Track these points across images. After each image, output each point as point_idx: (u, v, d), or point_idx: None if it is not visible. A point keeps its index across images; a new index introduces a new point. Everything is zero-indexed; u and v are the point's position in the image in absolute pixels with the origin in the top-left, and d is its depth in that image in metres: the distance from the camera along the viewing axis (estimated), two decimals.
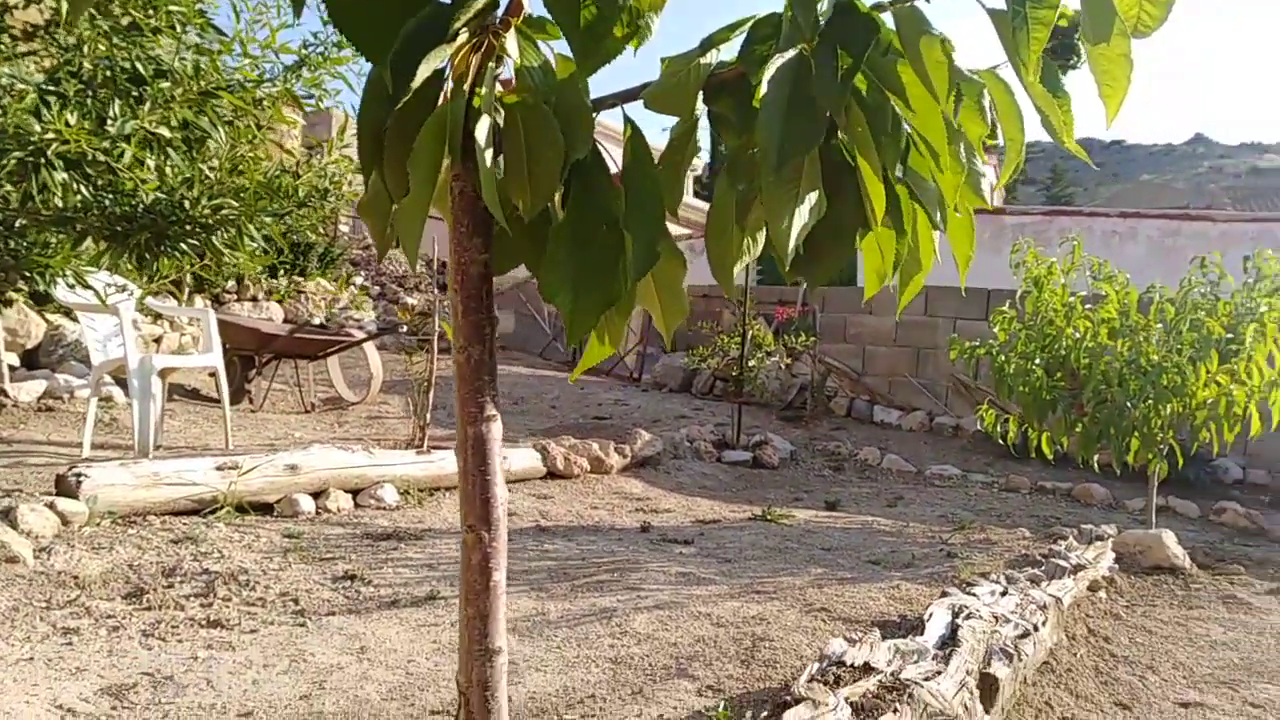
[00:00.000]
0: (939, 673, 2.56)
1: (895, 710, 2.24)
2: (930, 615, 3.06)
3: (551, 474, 6.35)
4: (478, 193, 1.15)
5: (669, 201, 1.34)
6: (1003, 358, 5.75)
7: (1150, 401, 5.18)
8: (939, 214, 1.39)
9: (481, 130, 1.08)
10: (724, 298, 11.21)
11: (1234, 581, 5.08)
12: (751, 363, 8.84)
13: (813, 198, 1.25)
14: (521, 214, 1.12)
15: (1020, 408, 5.84)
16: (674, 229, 12.65)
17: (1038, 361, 5.67)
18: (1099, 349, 5.46)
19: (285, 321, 10.52)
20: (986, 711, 2.69)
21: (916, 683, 2.42)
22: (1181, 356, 5.08)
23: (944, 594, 3.43)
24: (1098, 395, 5.43)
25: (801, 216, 1.24)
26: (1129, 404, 5.28)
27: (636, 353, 12.05)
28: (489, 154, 1.10)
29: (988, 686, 2.73)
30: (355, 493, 5.08)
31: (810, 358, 10.28)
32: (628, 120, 1.21)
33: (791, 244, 1.22)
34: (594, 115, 1.16)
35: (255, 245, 4.52)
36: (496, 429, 1.20)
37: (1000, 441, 6.27)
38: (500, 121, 1.12)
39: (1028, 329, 5.81)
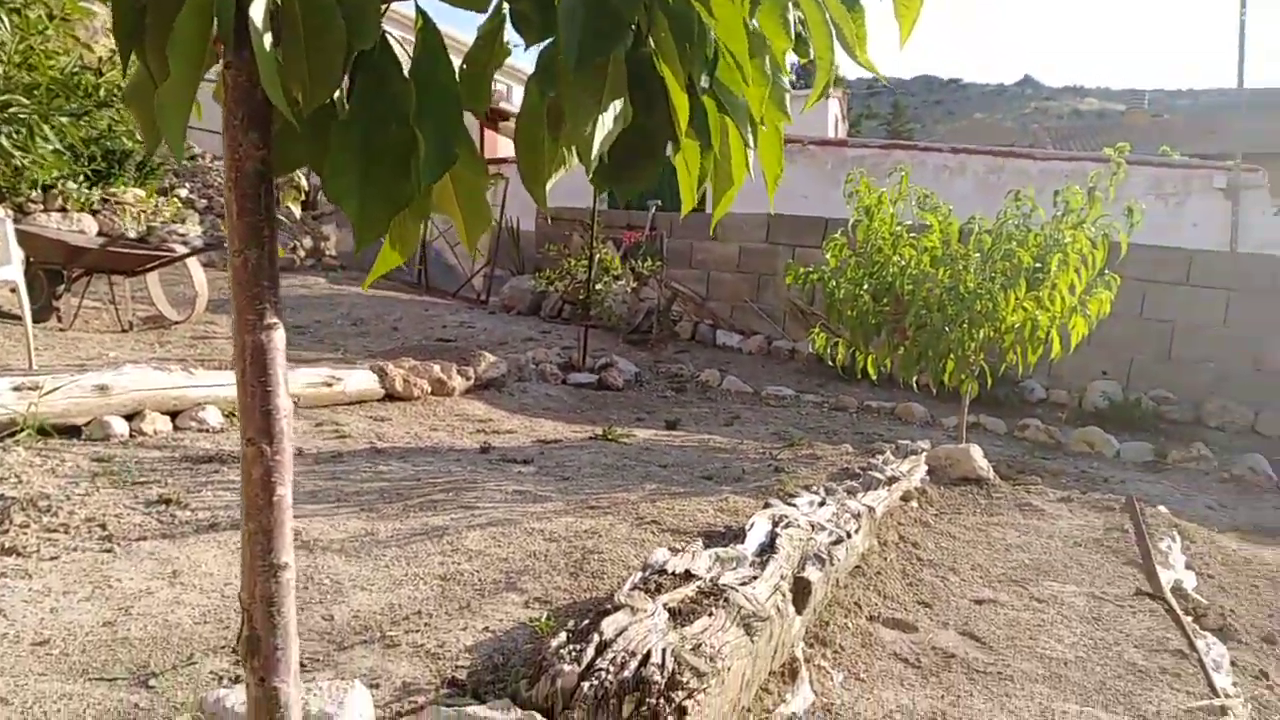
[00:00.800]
0: (755, 578, 2.69)
1: (710, 614, 2.35)
2: (752, 525, 3.20)
3: (390, 396, 6.21)
4: (254, 82, 1.07)
5: (474, 103, 1.29)
6: (834, 283, 5.97)
7: (965, 326, 5.51)
8: (749, 128, 1.41)
9: (257, 10, 1.00)
10: (573, 220, 11.12)
11: (1030, 491, 5.55)
12: (599, 286, 8.85)
13: (618, 105, 1.23)
14: (301, 108, 1.05)
15: (849, 331, 6.10)
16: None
17: (866, 287, 5.92)
18: (922, 276, 5.75)
19: (99, 234, 9.74)
20: (799, 612, 2.86)
21: (733, 587, 2.53)
22: (994, 284, 5.42)
23: (767, 505, 3.59)
24: (919, 320, 5.73)
25: (606, 124, 1.22)
26: (946, 328, 5.60)
27: (484, 274, 11.84)
28: (268, 39, 1.02)
29: (801, 590, 2.89)
30: (175, 415, 4.82)
31: (657, 282, 10.38)
32: (419, 10, 1.15)
33: (595, 151, 1.20)
34: (383, 5, 1.09)
35: (51, 147, 4.13)
36: (278, 338, 1.14)
37: (831, 363, 6.56)
38: (278, 4, 1.04)
39: (858, 256, 6.04)
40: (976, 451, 5.65)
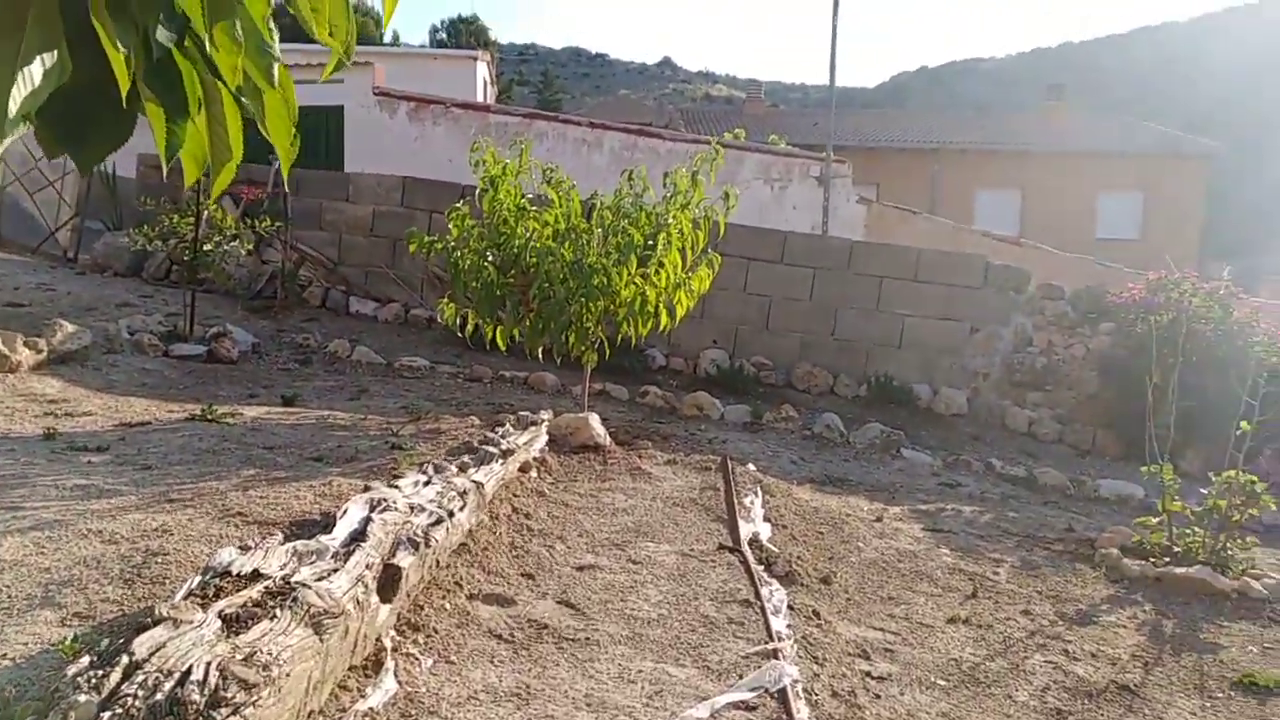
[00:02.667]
0: (336, 570, 2.55)
1: (273, 617, 2.17)
2: (344, 512, 3.05)
3: None
4: None
5: None
6: (459, 253, 5.89)
7: (584, 300, 5.70)
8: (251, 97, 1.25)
9: None
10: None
11: (642, 455, 5.89)
12: (208, 247, 8.02)
13: (49, 58, 1.02)
14: None
15: (475, 303, 6.07)
16: None
17: (491, 259, 5.91)
18: (545, 250, 5.84)
19: None
20: (388, 601, 2.76)
21: (306, 585, 2.37)
22: (609, 260, 5.65)
23: (367, 488, 3.45)
24: (543, 293, 5.83)
25: (32, 78, 1.01)
26: (568, 301, 5.76)
27: (72, 228, 10.29)
28: None
29: (390, 577, 2.79)
30: None
31: (281, 244, 9.66)
32: None
33: (13, 109, 0.99)
34: None
35: None
36: None
37: (460, 334, 6.49)
38: None
39: (483, 227, 6.01)
40: (595, 420, 5.90)
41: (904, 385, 9.02)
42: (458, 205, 6.04)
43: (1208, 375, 7.60)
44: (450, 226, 6.01)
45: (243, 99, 1.21)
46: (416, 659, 2.74)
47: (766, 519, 4.92)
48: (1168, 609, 4.50)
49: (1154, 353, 6.29)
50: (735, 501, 4.93)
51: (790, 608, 3.67)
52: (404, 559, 2.88)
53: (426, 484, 3.66)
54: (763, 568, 4.14)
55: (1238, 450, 5.09)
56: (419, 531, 3.09)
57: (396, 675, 2.60)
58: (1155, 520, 5.23)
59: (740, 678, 2.89)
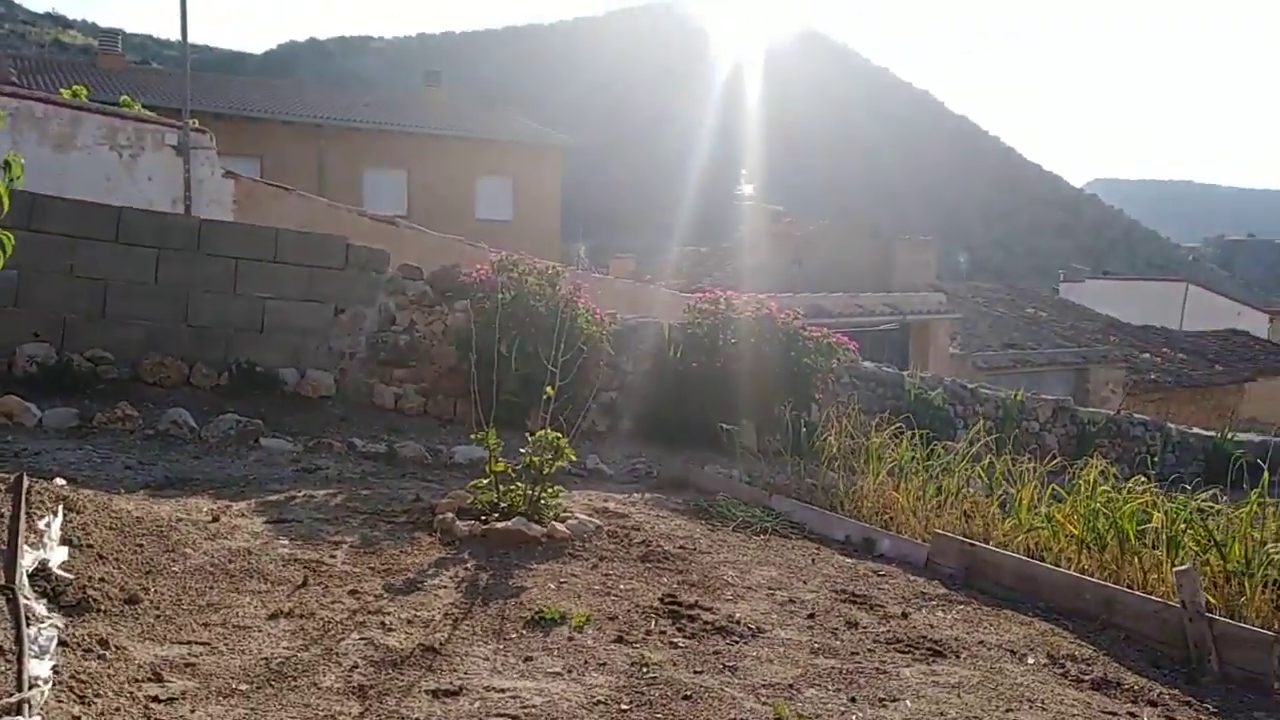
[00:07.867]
0: None
1: None
2: None
3: None
4: None
5: None
6: None
7: None
8: None
9: None
10: None
11: None
12: None
13: None
14: None
15: None
16: None
17: None
18: None
19: None
20: None
21: None
22: None
23: None
24: None
25: None
26: None
27: None
28: None
29: None
30: None
31: None
32: None
33: None
34: None
35: None
36: None
37: None
38: None
39: None
40: None
41: (269, 370, 8.67)
42: None
43: (543, 345, 8.58)
44: None
45: None
46: None
47: (67, 541, 4.27)
48: (488, 562, 4.94)
49: (498, 328, 6.89)
50: (21, 527, 4.19)
51: (64, 644, 3.20)
52: None
53: None
54: (46, 601, 3.58)
55: (545, 412, 5.81)
56: None
57: None
58: (486, 481, 5.72)
59: None
